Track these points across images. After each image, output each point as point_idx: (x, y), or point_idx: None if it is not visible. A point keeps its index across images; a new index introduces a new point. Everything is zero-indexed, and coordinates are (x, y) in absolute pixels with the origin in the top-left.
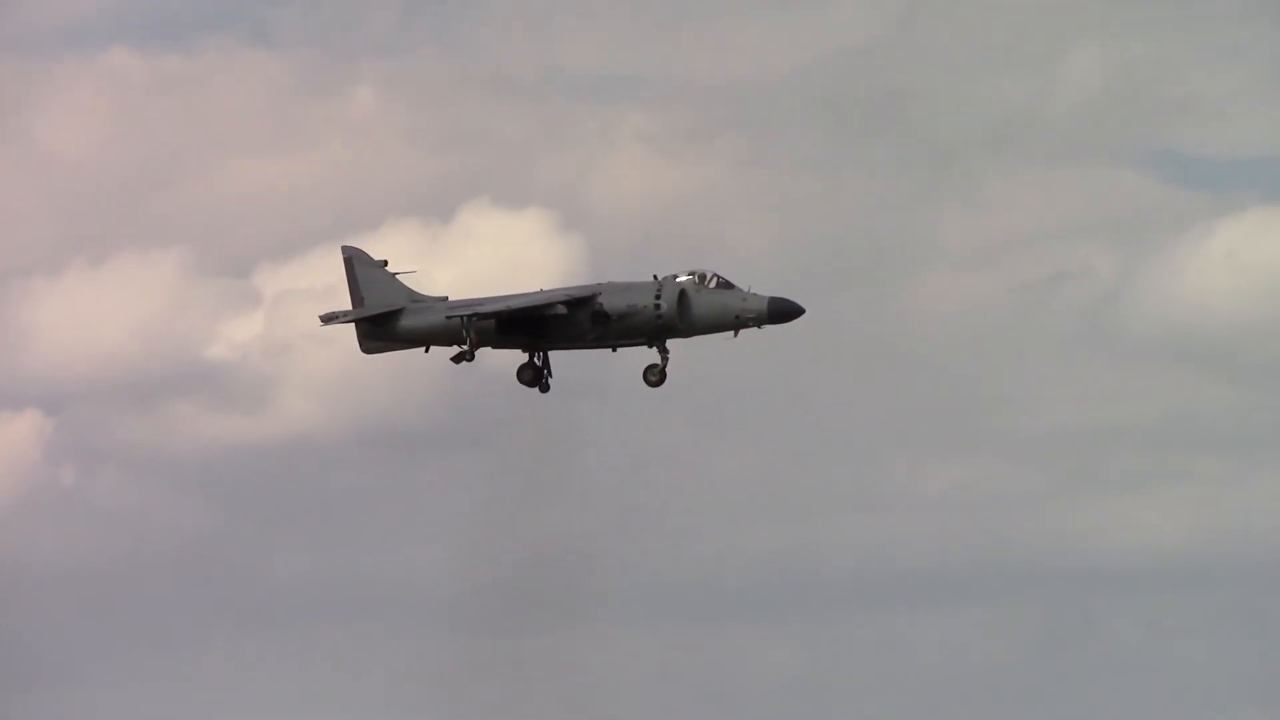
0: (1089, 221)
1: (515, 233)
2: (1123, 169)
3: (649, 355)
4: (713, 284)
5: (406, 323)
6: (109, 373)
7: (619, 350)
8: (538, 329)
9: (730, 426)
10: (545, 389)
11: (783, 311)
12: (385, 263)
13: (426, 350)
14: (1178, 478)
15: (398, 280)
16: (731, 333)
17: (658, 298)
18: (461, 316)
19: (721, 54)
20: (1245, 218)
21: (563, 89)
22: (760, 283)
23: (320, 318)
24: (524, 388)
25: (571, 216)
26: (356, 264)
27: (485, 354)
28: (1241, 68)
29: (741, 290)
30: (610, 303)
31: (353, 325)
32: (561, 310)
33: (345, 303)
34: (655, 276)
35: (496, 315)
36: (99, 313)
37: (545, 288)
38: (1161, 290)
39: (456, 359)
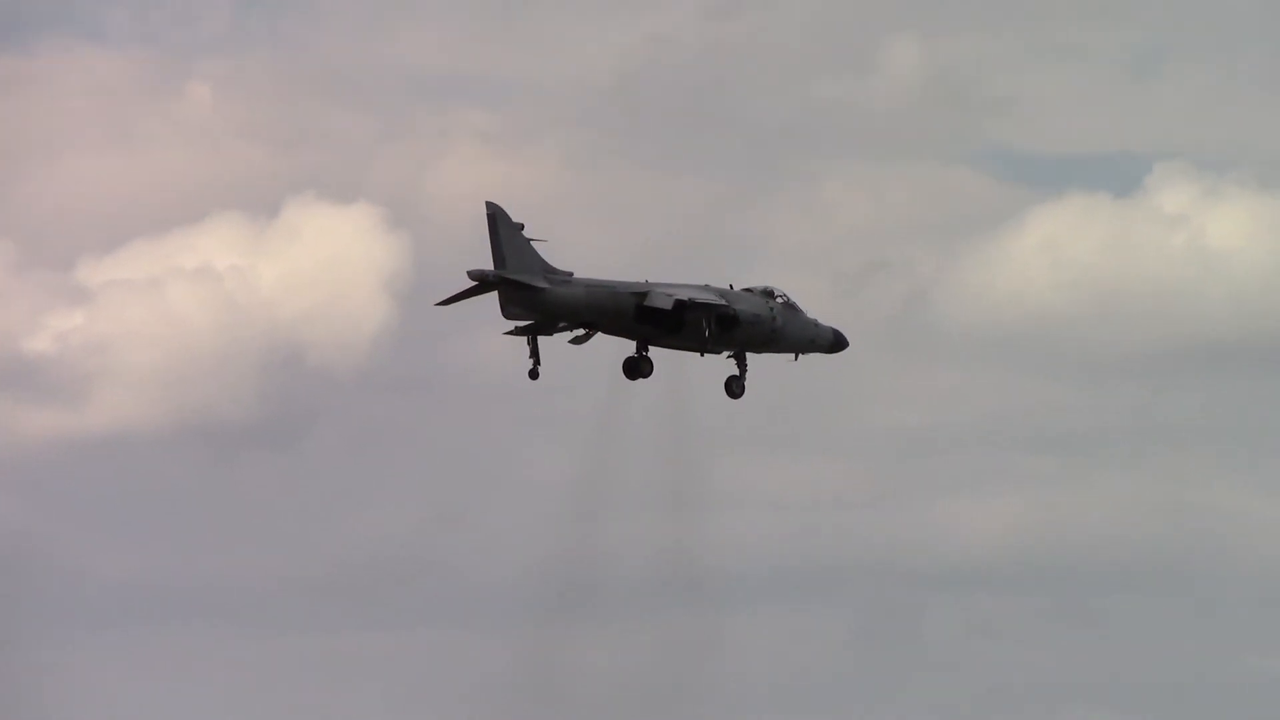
0: (913, 217)
1: (341, 227)
2: (948, 165)
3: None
4: (781, 303)
5: (572, 295)
6: None
7: (705, 356)
8: (675, 325)
9: (557, 426)
10: (535, 376)
11: (838, 343)
12: (522, 226)
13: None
14: (1000, 475)
15: (532, 246)
16: (793, 355)
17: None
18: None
19: (555, 53)
20: (1065, 212)
21: (398, 87)
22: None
23: (469, 273)
24: (627, 380)
25: (400, 213)
26: (500, 223)
27: None
28: (1062, 66)
29: (808, 315)
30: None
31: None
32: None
33: (167, 302)
34: (731, 285)
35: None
36: None
37: (639, 279)
38: (983, 286)
39: (578, 340)
